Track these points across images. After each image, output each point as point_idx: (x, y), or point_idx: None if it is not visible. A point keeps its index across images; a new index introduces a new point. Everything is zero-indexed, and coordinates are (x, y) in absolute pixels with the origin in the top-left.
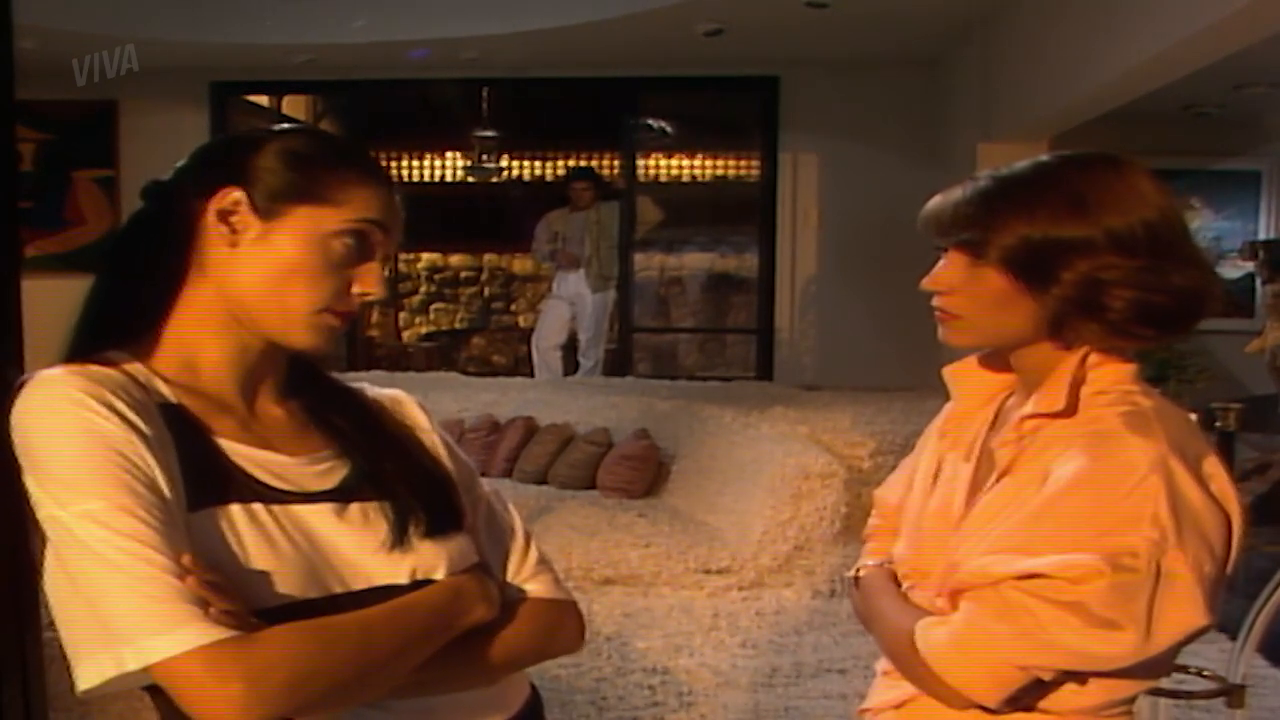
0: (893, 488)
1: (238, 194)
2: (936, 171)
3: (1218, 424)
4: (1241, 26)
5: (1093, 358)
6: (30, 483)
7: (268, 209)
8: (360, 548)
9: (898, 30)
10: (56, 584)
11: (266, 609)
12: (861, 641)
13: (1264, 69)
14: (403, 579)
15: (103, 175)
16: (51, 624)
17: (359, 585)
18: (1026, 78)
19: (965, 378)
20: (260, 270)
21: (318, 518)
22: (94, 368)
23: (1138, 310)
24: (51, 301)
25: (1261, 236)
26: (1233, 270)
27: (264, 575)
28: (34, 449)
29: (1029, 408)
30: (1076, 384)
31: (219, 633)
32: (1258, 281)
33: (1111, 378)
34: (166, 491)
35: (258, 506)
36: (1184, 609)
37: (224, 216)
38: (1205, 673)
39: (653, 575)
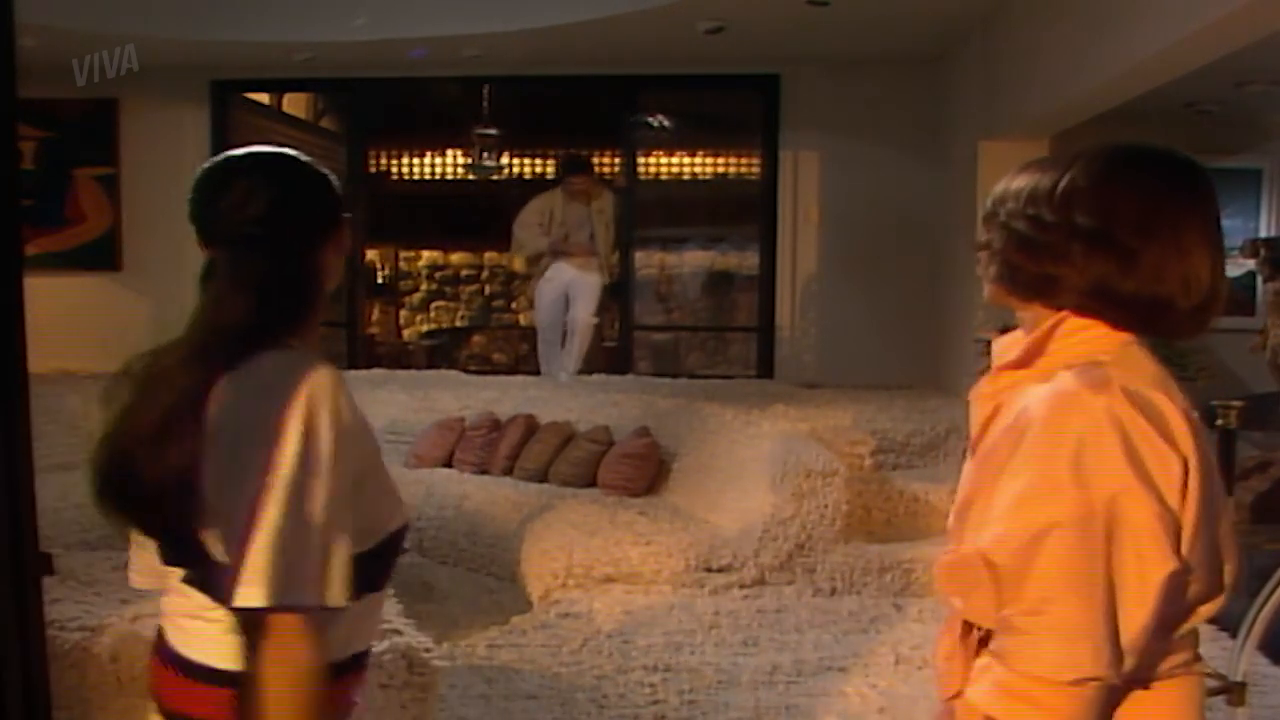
0: None
1: (346, 217)
2: (937, 169)
3: (1219, 422)
4: (1242, 25)
5: (1075, 321)
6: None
7: (348, 220)
8: None
9: (898, 28)
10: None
11: None
12: (862, 640)
13: (1265, 67)
14: None
15: (103, 173)
16: (52, 623)
17: None
18: (1028, 75)
19: (1004, 347)
20: (342, 260)
21: None
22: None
23: (1026, 279)
24: (52, 299)
25: (1263, 234)
26: (1234, 268)
27: None
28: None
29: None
30: (1041, 339)
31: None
32: (1259, 279)
33: (1094, 343)
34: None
35: None
36: (1150, 560)
37: (345, 236)
38: (1206, 670)
39: (654, 573)
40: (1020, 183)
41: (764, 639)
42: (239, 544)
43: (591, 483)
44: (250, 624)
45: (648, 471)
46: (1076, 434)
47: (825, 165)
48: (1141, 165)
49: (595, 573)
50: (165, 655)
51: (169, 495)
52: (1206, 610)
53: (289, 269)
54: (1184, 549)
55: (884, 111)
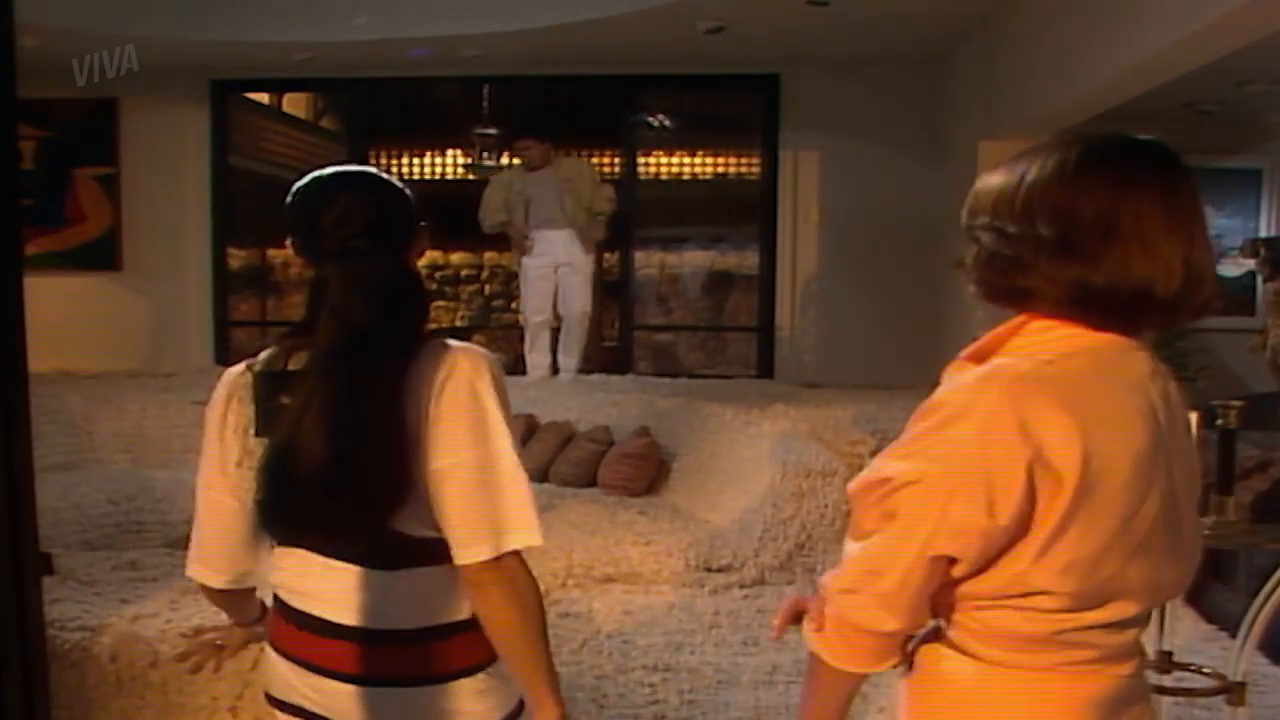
0: None
1: (423, 224)
2: (938, 169)
3: (1219, 421)
4: (1242, 25)
5: (1040, 322)
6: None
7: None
8: None
9: (899, 28)
10: None
11: None
12: None
13: (1265, 67)
14: None
15: (103, 173)
16: (52, 623)
17: None
18: (1028, 75)
19: None
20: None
21: None
22: None
23: (992, 286)
24: (52, 299)
25: (1262, 234)
26: (1234, 268)
27: None
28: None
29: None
30: (1002, 336)
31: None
32: (1259, 279)
33: (1048, 344)
34: None
35: None
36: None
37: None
38: (1206, 670)
39: (654, 573)
40: (987, 189)
41: (764, 639)
42: (475, 505)
43: (591, 483)
44: (485, 570)
45: (648, 471)
46: (947, 410)
47: (825, 165)
48: (1098, 160)
49: (595, 573)
50: (300, 621)
51: (371, 492)
52: (1087, 617)
53: (397, 272)
54: (1030, 556)
55: (884, 111)
